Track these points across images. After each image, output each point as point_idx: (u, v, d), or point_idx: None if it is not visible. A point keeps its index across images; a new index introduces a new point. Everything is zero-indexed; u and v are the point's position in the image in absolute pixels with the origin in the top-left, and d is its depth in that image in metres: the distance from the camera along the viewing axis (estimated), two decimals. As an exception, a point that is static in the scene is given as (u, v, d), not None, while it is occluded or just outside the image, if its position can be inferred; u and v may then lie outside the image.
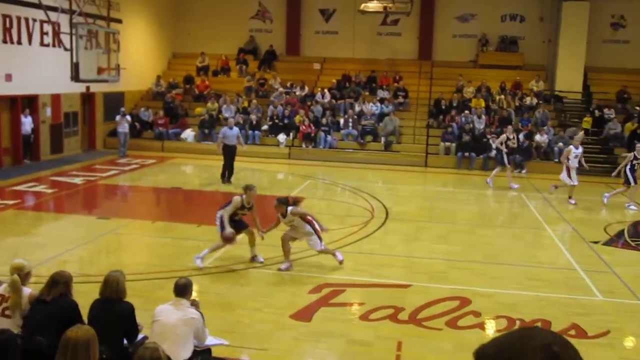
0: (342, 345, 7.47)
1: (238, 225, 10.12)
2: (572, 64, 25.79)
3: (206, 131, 23.81)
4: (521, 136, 22.33)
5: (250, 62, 28.34)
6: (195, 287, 8.84)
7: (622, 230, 13.65)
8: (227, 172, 17.52)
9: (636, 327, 8.27)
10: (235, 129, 17.97)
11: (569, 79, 25.85)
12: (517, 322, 8.13)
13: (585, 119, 24.04)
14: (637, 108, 24.16)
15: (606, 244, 12.53)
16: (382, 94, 25.82)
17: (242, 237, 10.56)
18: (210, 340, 6.37)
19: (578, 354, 1.64)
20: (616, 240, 12.87)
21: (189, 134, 24.07)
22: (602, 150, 22.87)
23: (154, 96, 26.60)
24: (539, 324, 8.06)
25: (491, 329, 8.04)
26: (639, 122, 22.99)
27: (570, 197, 16.43)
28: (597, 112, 24.12)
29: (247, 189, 10.19)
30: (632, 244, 12.63)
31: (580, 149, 16.62)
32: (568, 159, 16.37)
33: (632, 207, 15.80)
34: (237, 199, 10.07)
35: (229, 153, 17.49)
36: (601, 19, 26.51)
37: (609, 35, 27.06)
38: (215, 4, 28.82)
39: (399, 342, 7.50)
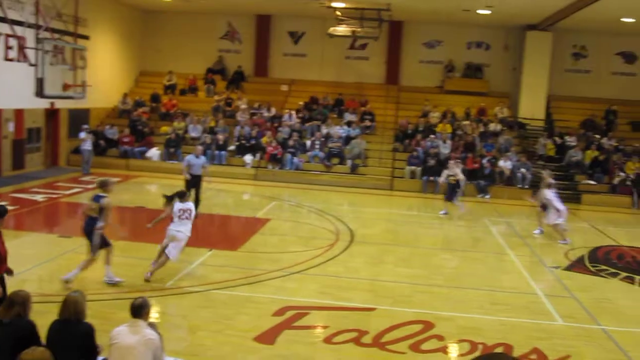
0: (305, 369, 7.42)
1: (103, 241, 9.97)
2: (535, 92, 26.40)
3: (172, 150, 23.64)
4: (485, 161, 22.69)
5: (218, 82, 28.33)
6: (156, 309, 8.76)
7: (582, 256, 13.89)
8: (195, 203, 15.44)
9: (595, 352, 8.39)
10: (202, 158, 16.12)
11: (532, 107, 26.41)
12: (480, 347, 8.18)
13: (548, 145, 24.52)
14: (597, 136, 24.74)
15: (567, 269, 12.74)
16: (349, 117, 26.00)
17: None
18: (167, 362, 6.26)
19: None
20: (576, 265, 13.08)
21: (154, 152, 23.87)
22: (564, 177, 23.30)
23: (120, 114, 26.37)
24: (501, 349, 8.13)
25: (454, 353, 8.07)
26: (598, 149, 23.52)
27: None
28: (558, 140, 24.64)
29: (108, 184, 9.97)
30: (592, 269, 12.84)
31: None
32: None
33: None
34: (108, 201, 9.89)
35: (194, 184, 15.61)
36: (563, 49, 27.22)
37: (570, 65, 27.77)
38: (185, 24, 28.78)
39: (362, 366, 7.49)
